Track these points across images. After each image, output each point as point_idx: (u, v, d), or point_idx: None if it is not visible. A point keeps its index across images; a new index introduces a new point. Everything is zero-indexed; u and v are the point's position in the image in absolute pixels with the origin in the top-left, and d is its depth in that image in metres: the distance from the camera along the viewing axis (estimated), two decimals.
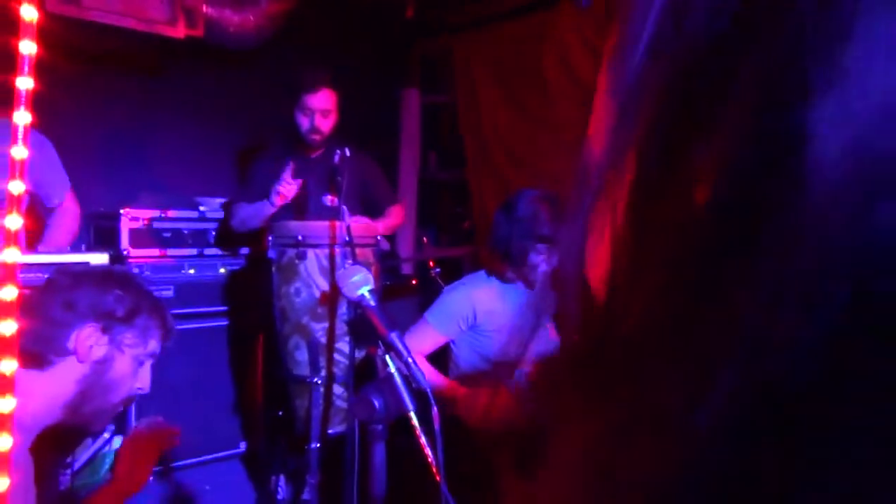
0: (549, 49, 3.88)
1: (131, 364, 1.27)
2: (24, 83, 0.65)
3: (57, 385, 1.18)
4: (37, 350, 1.17)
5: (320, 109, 2.88)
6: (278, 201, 2.79)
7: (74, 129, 2.97)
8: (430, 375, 2.16)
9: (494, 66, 4.17)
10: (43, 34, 0.69)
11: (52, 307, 1.18)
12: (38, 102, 0.68)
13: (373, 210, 3.01)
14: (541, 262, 2.20)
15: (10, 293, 0.61)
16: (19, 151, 0.64)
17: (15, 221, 0.62)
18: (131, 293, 1.27)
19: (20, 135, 0.64)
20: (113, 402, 1.28)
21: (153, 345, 1.30)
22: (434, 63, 4.57)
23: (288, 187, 2.76)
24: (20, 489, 1.09)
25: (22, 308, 1.20)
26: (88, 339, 1.20)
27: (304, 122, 2.90)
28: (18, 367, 1.17)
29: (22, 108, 0.64)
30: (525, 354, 2.27)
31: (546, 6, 3.80)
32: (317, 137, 2.93)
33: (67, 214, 2.72)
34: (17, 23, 0.72)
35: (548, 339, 2.39)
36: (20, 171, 0.63)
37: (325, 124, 2.92)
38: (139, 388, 1.32)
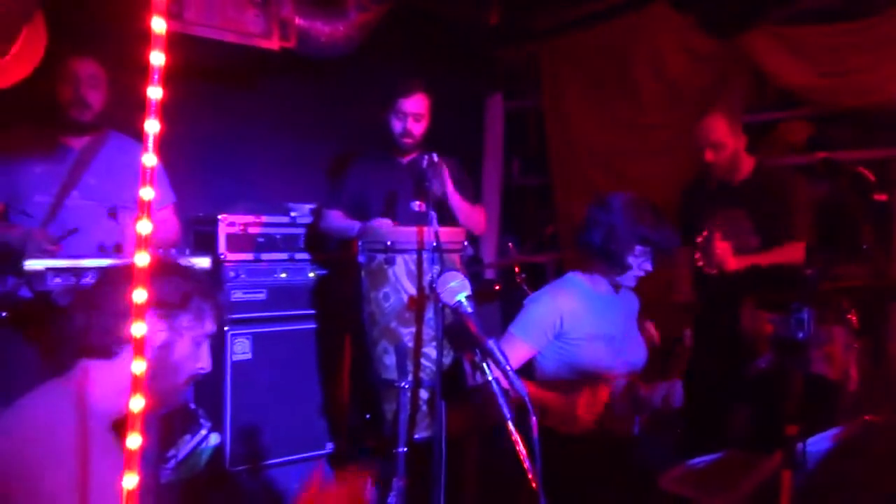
0: (640, 51, 3.79)
1: (191, 345, 1.32)
2: (154, 92, 0.68)
3: (125, 372, 1.22)
4: (103, 342, 1.24)
5: (413, 113, 2.96)
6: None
7: (176, 139, 3.11)
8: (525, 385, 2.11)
9: (582, 71, 4.10)
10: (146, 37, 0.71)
11: (112, 300, 1.24)
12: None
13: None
14: (636, 265, 2.13)
15: (141, 295, 0.64)
16: (149, 159, 0.66)
17: (146, 226, 0.64)
18: (184, 280, 1.32)
19: (150, 143, 0.66)
20: (178, 382, 1.34)
21: (209, 325, 1.35)
22: (518, 69, 4.54)
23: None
24: (108, 470, 1.14)
25: (84, 303, 1.26)
26: (149, 328, 1.24)
27: (397, 126, 2.98)
28: (87, 359, 1.23)
29: (152, 116, 0.66)
30: (618, 364, 2.21)
31: (636, 7, 3.70)
32: (409, 141, 3.00)
33: (165, 225, 2.85)
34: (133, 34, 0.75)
35: (638, 346, 2.32)
36: (150, 179, 0.65)
37: (417, 128, 3.00)
38: (201, 368, 1.37)
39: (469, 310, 1.46)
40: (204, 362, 1.37)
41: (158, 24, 0.67)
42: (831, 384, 2.42)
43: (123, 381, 1.23)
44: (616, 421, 2.15)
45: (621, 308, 2.29)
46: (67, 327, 1.26)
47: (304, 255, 3.40)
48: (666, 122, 3.79)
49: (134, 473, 0.63)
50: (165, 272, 1.31)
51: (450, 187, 2.87)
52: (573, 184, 4.18)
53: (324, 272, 3.44)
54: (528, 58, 4.43)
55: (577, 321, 2.18)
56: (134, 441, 0.63)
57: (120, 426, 1.25)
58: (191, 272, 1.38)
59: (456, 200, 2.93)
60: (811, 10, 3.43)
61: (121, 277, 1.29)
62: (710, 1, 3.67)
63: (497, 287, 3.76)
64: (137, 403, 0.63)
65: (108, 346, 1.24)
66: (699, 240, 2.70)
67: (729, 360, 2.66)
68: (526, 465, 1.31)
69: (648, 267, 2.15)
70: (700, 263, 2.70)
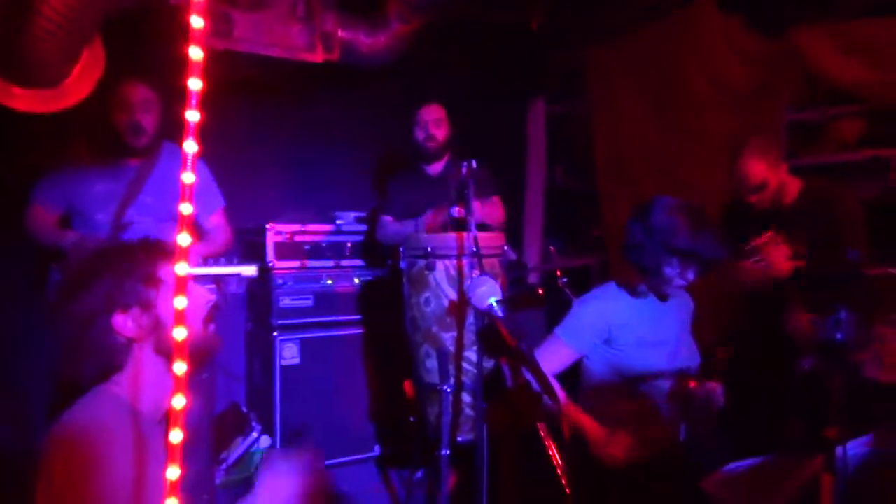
0: (689, 53, 3.74)
1: (165, 297, 1.27)
2: (192, 116, 0.73)
3: (146, 370, 1.26)
4: (107, 369, 1.25)
5: (432, 119, 3.21)
6: (426, 227, 3.05)
7: (225, 152, 3.24)
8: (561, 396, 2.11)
9: (630, 74, 4.06)
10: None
11: (85, 337, 1.23)
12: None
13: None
14: (675, 275, 2.10)
15: (181, 303, 0.69)
16: (188, 177, 0.72)
17: (185, 239, 0.70)
18: (107, 274, 1.27)
19: (189, 162, 0.72)
20: (196, 331, 1.31)
21: (165, 273, 1.29)
22: (560, 73, 4.54)
23: (436, 220, 3.03)
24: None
25: (66, 351, 1.24)
26: (127, 326, 1.25)
27: (420, 134, 3.23)
28: (104, 386, 1.23)
29: (190, 138, 0.72)
30: (669, 369, 2.19)
31: (686, 7, 3.66)
32: (432, 144, 3.21)
33: (218, 232, 2.96)
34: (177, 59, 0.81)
35: (690, 351, 2.29)
36: (189, 195, 0.71)
37: (439, 132, 3.22)
38: (206, 303, 1.34)
39: (500, 313, 1.49)
40: (201, 298, 1.34)
41: (196, 53, 0.73)
42: (883, 387, 2.36)
43: (151, 380, 1.27)
44: (660, 442, 2.13)
45: (672, 312, 2.26)
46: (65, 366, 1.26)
47: (351, 262, 3.49)
48: (718, 126, 3.72)
49: (177, 466, 0.69)
50: (85, 280, 1.27)
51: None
52: (621, 188, 4.14)
53: (368, 278, 3.51)
54: (571, 62, 4.42)
55: (625, 327, 2.16)
56: (176, 436, 0.68)
57: (165, 421, 1.28)
58: (105, 261, 1.30)
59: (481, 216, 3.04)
60: (861, 6, 3.34)
61: (65, 315, 1.26)
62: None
63: (540, 291, 3.77)
64: (179, 402, 0.69)
65: (114, 365, 1.26)
66: (755, 243, 2.64)
67: (775, 363, 2.62)
68: (559, 468, 1.33)
69: (690, 276, 2.08)
70: (757, 266, 2.63)
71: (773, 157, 2.75)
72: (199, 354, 1.30)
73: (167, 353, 1.26)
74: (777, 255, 2.55)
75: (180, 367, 0.69)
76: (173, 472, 0.68)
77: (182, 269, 0.69)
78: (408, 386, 2.48)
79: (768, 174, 2.72)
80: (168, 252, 1.32)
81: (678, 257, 2.04)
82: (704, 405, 2.07)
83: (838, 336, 1.45)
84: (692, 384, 2.16)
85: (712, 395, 2.05)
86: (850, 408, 1.49)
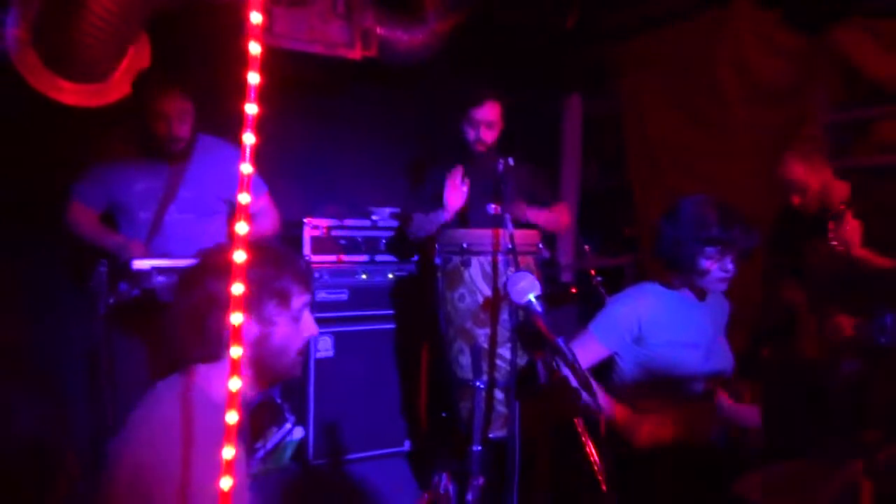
0: (723, 49, 3.69)
1: (288, 325, 1.31)
2: (251, 109, 0.76)
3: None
4: (205, 351, 1.28)
5: (486, 121, 3.03)
6: (450, 208, 2.94)
7: (264, 146, 3.28)
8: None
9: (662, 71, 4.03)
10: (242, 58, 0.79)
11: (201, 305, 1.26)
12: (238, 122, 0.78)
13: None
14: (712, 267, 2.10)
15: (239, 289, 0.72)
16: (246, 168, 0.74)
17: (243, 227, 0.73)
18: (256, 269, 1.27)
19: (248, 154, 0.74)
20: (290, 359, 1.34)
21: (297, 301, 1.33)
22: (596, 71, 4.51)
23: (456, 192, 2.89)
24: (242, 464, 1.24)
25: (172, 321, 1.28)
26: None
27: (470, 134, 3.06)
28: (199, 366, 1.27)
29: (249, 131, 0.74)
30: (702, 372, 2.18)
31: (718, 3, 3.62)
32: (481, 148, 3.07)
33: (268, 215, 3.02)
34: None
35: (724, 354, 2.28)
36: (247, 185, 0.74)
37: (490, 135, 3.06)
38: (308, 335, 1.38)
39: (538, 309, 1.50)
40: (310, 330, 1.37)
41: (254, 48, 0.75)
42: None
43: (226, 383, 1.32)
44: (693, 433, 2.13)
45: (707, 315, 2.25)
46: (171, 342, 1.30)
47: (385, 258, 3.52)
48: (751, 123, 3.68)
49: (232, 447, 0.72)
50: (218, 270, 1.28)
51: (529, 213, 2.93)
52: (653, 186, 4.11)
53: (403, 274, 3.54)
54: (606, 59, 4.39)
55: (657, 327, 2.16)
56: (231, 417, 0.71)
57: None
58: (261, 256, 1.31)
59: (533, 218, 2.97)
60: None
61: (200, 274, 1.29)
62: None
63: (573, 290, 3.76)
64: (235, 384, 0.71)
65: (213, 352, 1.28)
66: (836, 211, 2.62)
67: (813, 365, 2.58)
68: (595, 465, 1.33)
69: (730, 267, 2.10)
70: (833, 243, 2.60)
71: (815, 160, 2.72)
72: (288, 378, 1.35)
73: (260, 366, 1.30)
74: (853, 234, 2.51)
75: (236, 352, 0.72)
76: (229, 452, 0.71)
77: (241, 256, 0.72)
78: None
79: (809, 177, 2.70)
80: (309, 281, 1.37)
81: (713, 247, 2.07)
82: (741, 427, 2.10)
83: (882, 340, 1.43)
84: (722, 394, 2.19)
85: (750, 419, 2.09)
86: (892, 412, 1.47)
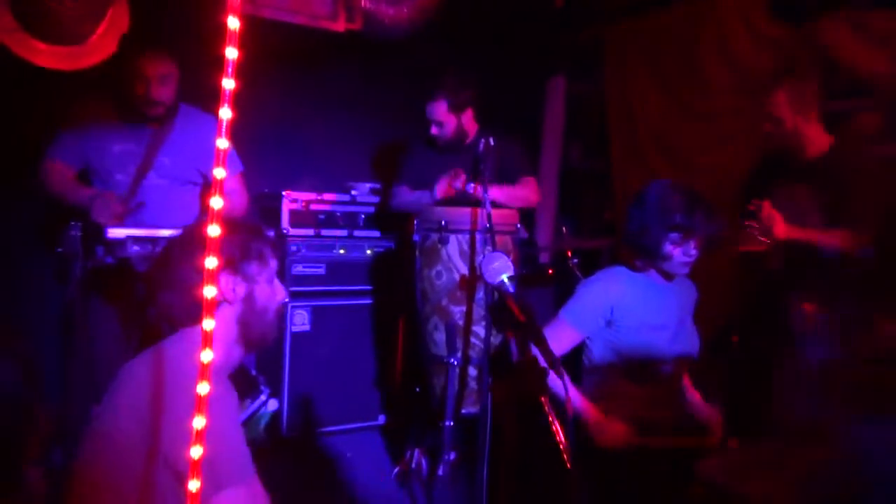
0: (707, 36, 3.71)
1: (267, 286, 1.46)
2: (228, 84, 0.76)
3: (224, 331, 1.40)
4: (191, 314, 1.36)
5: (433, 120, 3.09)
6: (437, 196, 2.98)
7: (244, 118, 3.25)
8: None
9: (647, 55, 4.04)
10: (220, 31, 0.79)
11: (188, 275, 1.36)
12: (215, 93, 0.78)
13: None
14: (675, 251, 2.14)
15: (212, 262, 0.73)
16: (222, 143, 0.75)
17: (217, 202, 0.73)
18: (239, 233, 1.45)
19: (223, 128, 0.75)
20: (270, 319, 1.48)
21: (273, 263, 1.49)
22: (582, 52, 4.51)
23: (447, 188, 2.95)
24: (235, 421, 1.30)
25: (163, 285, 1.38)
26: (228, 286, 1.40)
27: (431, 129, 3.13)
28: (189, 329, 1.36)
29: (225, 105, 0.75)
30: (669, 354, 2.22)
31: None
32: (441, 143, 3.14)
33: (235, 196, 2.98)
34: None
35: (691, 337, 2.32)
36: (223, 160, 0.74)
37: (445, 130, 3.11)
38: (281, 299, 1.52)
39: (511, 289, 1.52)
40: (280, 294, 1.51)
41: (233, 23, 0.75)
42: None
43: (226, 339, 1.41)
44: (658, 414, 2.18)
45: (674, 296, 2.30)
46: (153, 307, 1.40)
47: (363, 233, 3.52)
48: (733, 109, 3.71)
49: (203, 416, 0.73)
50: (224, 232, 1.43)
51: (491, 192, 2.93)
52: (633, 170, 4.14)
53: (381, 249, 3.55)
54: (592, 41, 4.39)
55: (627, 309, 2.20)
56: (203, 388, 0.72)
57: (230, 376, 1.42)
58: (241, 224, 1.50)
59: (494, 195, 2.94)
60: None
61: (188, 247, 1.40)
62: None
63: (550, 271, 3.79)
64: (207, 356, 0.72)
65: (196, 316, 1.36)
66: (751, 208, 2.65)
67: (779, 351, 2.63)
68: (561, 444, 1.36)
69: (693, 252, 2.14)
70: (754, 231, 2.64)
71: (802, 98, 2.71)
72: (264, 342, 1.49)
73: (245, 324, 1.43)
74: (765, 216, 2.54)
75: (209, 324, 0.73)
76: (199, 422, 0.72)
77: (215, 230, 0.72)
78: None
79: (788, 111, 2.69)
80: (277, 248, 1.53)
81: (676, 232, 2.11)
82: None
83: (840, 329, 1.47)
84: (691, 388, 2.26)
85: (712, 420, 2.21)
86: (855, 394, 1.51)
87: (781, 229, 2.51)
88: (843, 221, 2.53)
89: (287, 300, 1.57)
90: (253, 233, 1.48)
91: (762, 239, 2.56)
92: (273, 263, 1.48)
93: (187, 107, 2.88)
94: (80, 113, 2.81)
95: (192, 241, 1.40)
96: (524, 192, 3.11)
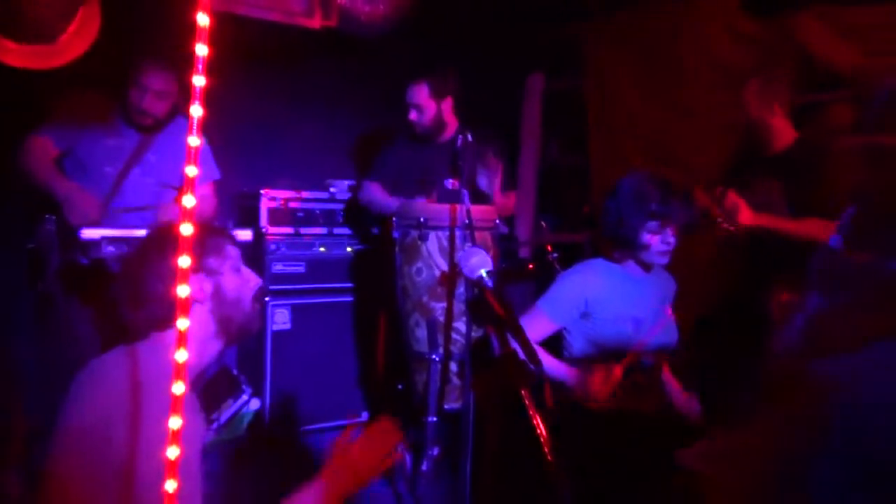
0: (686, 33, 3.74)
1: (233, 275, 1.44)
2: (198, 81, 0.75)
3: (200, 329, 1.39)
4: (162, 316, 1.34)
5: (414, 104, 3.13)
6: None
7: (222, 116, 3.21)
8: (545, 359, 2.19)
9: (626, 52, 4.06)
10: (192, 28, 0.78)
11: (153, 286, 1.34)
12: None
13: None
14: (653, 240, 2.16)
15: (185, 262, 0.72)
16: (194, 140, 0.74)
17: (190, 200, 0.73)
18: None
19: (194, 126, 0.74)
20: (246, 307, 1.47)
21: (231, 251, 1.47)
22: (560, 49, 4.52)
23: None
24: (196, 423, 1.29)
25: (130, 298, 1.35)
26: (194, 285, 1.38)
27: (410, 115, 3.16)
28: (162, 333, 1.33)
29: (196, 103, 0.74)
30: (644, 343, 2.24)
31: None
32: (419, 130, 3.17)
33: (203, 201, 2.96)
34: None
35: (669, 327, 2.35)
36: (194, 158, 0.74)
37: (425, 116, 3.14)
38: (255, 284, 1.50)
39: (489, 284, 1.53)
40: (252, 280, 1.50)
41: (203, 19, 0.74)
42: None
43: (204, 337, 1.40)
44: (640, 399, 2.20)
45: (652, 287, 2.32)
46: (124, 312, 1.38)
47: (343, 230, 3.51)
48: (711, 105, 3.75)
49: (179, 417, 0.72)
50: (163, 243, 1.39)
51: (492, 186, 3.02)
52: (612, 165, 4.16)
53: (361, 247, 3.54)
54: (571, 38, 4.40)
55: (604, 301, 2.22)
56: (178, 388, 0.71)
57: (193, 383, 1.40)
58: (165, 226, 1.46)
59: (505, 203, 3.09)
60: None
61: (147, 258, 1.38)
62: None
63: (530, 266, 3.81)
64: (181, 356, 0.72)
65: (168, 318, 1.34)
66: (716, 195, 2.70)
67: (757, 340, 2.66)
68: (542, 437, 1.37)
69: (671, 240, 2.16)
70: (719, 220, 2.69)
71: (766, 92, 2.79)
72: (247, 331, 1.47)
73: (222, 317, 1.41)
74: (728, 204, 2.59)
75: (183, 324, 0.72)
76: (175, 422, 0.72)
77: (187, 229, 0.72)
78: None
79: (751, 103, 2.80)
80: (231, 237, 1.51)
81: (653, 220, 2.13)
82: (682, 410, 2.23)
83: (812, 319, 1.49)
84: (669, 375, 2.29)
85: (690, 404, 2.24)
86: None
87: (746, 216, 2.56)
88: (811, 210, 2.57)
89: (262, 284, 1.54)
90: (203, 229, 1.44)
91: (725, 226, 2.61)
92: (232, 252, 1.46)
93: (183, 119, 2.90)
94: (79, 102, 2.80)
95: (151, 251, 1.38)
96: (509, 204, 3.29)
